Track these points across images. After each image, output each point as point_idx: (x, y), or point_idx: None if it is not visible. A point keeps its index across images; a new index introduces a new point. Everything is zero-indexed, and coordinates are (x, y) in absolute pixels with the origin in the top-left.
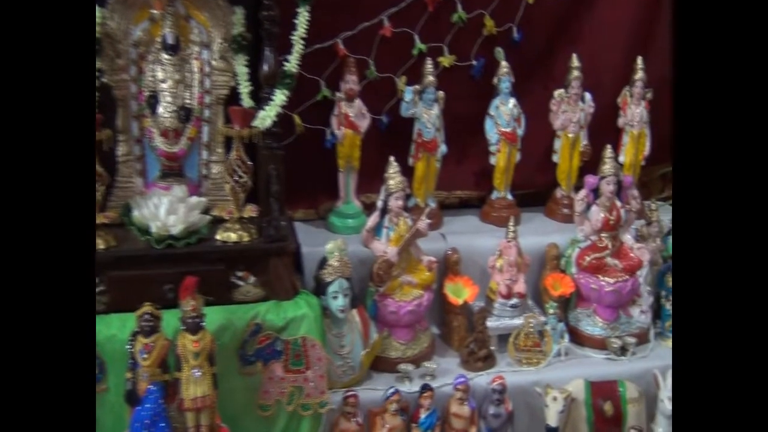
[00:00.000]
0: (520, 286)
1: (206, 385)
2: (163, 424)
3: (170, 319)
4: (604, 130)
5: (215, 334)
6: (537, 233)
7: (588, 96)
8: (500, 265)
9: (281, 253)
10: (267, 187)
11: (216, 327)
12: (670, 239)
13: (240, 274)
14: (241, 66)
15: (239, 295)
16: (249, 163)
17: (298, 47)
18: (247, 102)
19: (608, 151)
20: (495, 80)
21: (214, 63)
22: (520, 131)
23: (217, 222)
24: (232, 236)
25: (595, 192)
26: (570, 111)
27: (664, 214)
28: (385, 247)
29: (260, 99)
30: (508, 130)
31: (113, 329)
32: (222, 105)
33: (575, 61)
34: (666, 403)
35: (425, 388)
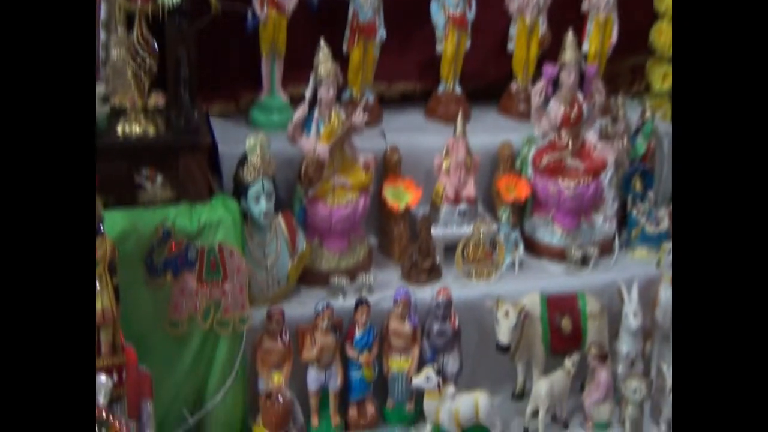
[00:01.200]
0: (470, 190)
1: (106, 297)
2: None
3: None
4: (566, 15)
5: (117, 240)
6: (489, 131)
7: None
8: (447, 166)
9: (193, 149)
10: (176, 74)
11: (118, 233)
12: (638, 139)
13: (145, 173)
14: None
15: (145, 198)
16: (154, 43)
17: None
18: None
19: (570, 37)
20: None
21: None
22: (470, 15)
23: (118, 113)
24: (136, 129)
25: (555, 84)
26: None
27: (631, 111)
28: (315, 144)
29: None
30: (456, 13)
31: None
32: None
33: None
34: (631, 320)
35: (361, 302)
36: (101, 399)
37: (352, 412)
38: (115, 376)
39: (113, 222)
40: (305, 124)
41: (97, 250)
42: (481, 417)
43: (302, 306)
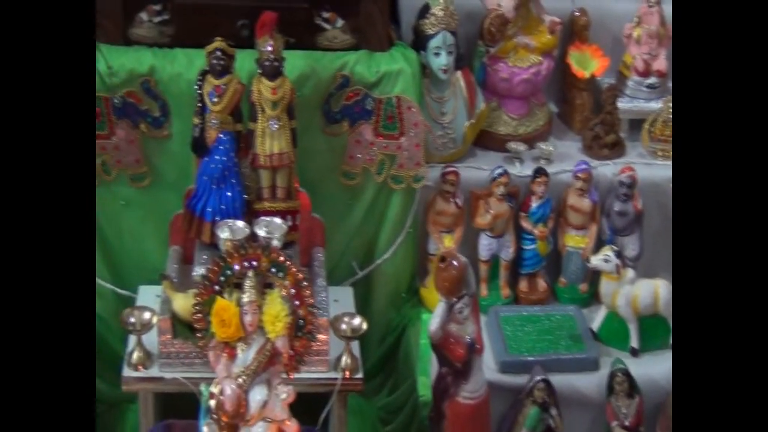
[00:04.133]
0: (661, 63)
1: (284, 140)
2: (234, 180)
3: (244, 61)
4: None
5: (296, 83)
6: None
7: None
8: (638, 35)
9: None
10: None
11: (297, 75)
12: None
13: (326, 15)
14: None
15: (324, 41)
16: None
17: None
18: None
19: None
20: None
21: None
22: None
23: None
24: None
25: None
26: None
27: None
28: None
29: None
30: None
31: (178, 67)
32: None
33: None
34: None
35: (539, 172)
36: (276, 241)
37: (523, 285)
38: (290, 220)
39: (293, 64)
40: None
41: (278, 90)
42: (660, 307)
43: (477, 170)
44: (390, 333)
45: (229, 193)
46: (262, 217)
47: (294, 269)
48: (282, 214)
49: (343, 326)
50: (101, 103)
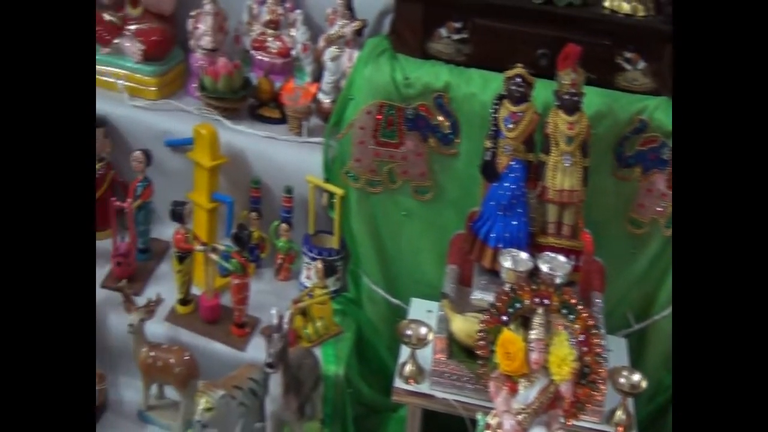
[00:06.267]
0: None
1: (575, 177)
2: (521, 210)
3: (541, 91)
4: None
5: (591, 120)
6: None
7: None
8: None
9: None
10: None
11: (593, 112)
12: None
13: (629, 55)
14: None
15: (623, 81)
16: None
17: None
18: None
19: None
20: None
21: None
22: None
23: None
24: (624, 6)
25: None
26: None
27: None
28: None
29: None
30: None
31: (473, 87)
32: None
33: None
34: None
35: None
36: (558, 279)
37: None
38: (572, 260)
39: (590, 100)
40: None
41: (575, 125)
42: None
43: None
44: (660, 393)
45: (514, 222)
46: (547, 253)
47: (585, 314)
48: (565, 252)
49: (622, 380)
50: (394, 112)
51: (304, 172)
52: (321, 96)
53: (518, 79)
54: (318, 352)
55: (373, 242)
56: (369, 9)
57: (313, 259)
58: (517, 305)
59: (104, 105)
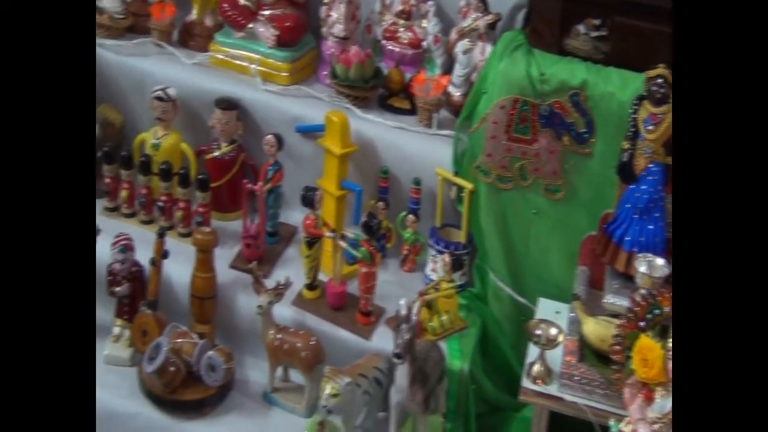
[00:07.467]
0: None
1: None
2: (658, 214)
3: None
4: None
5: None
6: None
7: None
8: None
9: None
10: None
11: None
12: None
13: None
14: None
15: None
16: None
17: None
18: None
19: None
20: None
21: None
22: None
23: None
24: None
25: None
26: None
27: None
28: None
29: None
30: None
31: (611, 86)
32: None
33: None
34: None
35: None
36: None
37: None
38: None
39: None
40: None
41: None
42: None
43: None
44: None
45: (651, 227)
46: None
47: None
48: None
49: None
50: (528, 108)
51: (432, 164)
52: (451, 89)
53: (660, 80)
54: (443, 346)
55: (501, 239)
56: (502, 3)
57: (440, 252)
58: (656, 311)
59: (237, 88)
